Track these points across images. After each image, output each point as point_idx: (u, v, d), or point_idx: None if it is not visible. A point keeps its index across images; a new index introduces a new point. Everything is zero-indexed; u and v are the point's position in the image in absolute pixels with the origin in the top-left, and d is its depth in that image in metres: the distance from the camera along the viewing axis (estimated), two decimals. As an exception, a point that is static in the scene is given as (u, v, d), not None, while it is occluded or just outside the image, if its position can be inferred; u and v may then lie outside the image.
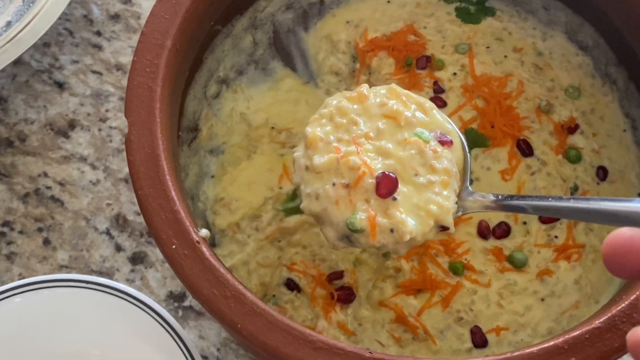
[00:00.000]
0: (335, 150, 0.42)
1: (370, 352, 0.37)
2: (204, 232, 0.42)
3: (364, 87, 0.45)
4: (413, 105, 0.45)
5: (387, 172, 0.41)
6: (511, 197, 0.42)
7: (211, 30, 0.53)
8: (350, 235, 0.41)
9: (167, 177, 0.41)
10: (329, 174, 0.42)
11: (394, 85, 0.46)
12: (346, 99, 0.45)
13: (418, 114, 0.44)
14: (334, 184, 0.41)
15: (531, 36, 0.58)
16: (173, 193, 0.41)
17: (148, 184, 0.41)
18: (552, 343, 0.37)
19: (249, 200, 0.53)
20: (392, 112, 0.44)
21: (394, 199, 0.41)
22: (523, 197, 0.41)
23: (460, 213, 0.43)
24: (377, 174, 0.41)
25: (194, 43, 0.49)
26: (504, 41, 0.58)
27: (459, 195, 0.43)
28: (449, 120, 0.45)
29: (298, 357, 0.37)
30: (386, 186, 0.41)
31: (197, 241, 0.40)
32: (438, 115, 0.45)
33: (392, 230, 0.40)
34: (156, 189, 0.41)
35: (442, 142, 0.43)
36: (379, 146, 0.43)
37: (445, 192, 0.42)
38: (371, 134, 0.43)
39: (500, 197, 0.42)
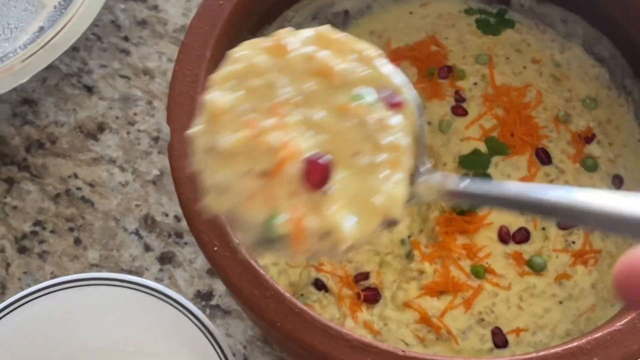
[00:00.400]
0: (247, 125, 0.31)
1: (403, 351, 0.39)
2: (242, 235, 0.43)
3: (284, 33, 0.35)
4: (351, 55, 0.34)
5: (318, 154, 0.31)
6: (482, 183, 0.33)
7: (243, 40, 0.55)
8: (270, 241, 0.32)
9: (208, 182, 0.43)
10: (240, 158, 0.31)
11: (323, 28, 0.35)
12: (260, 51, 0.34)
13: (358, 67, 0.34)
14: (246, 173, 0.31)
15: (549, 48, 0.60)
16: (214, 197, 0.43)
17: (190, 189, 0.43)
18: (575, 344, 0.39)
19: None
20: (323, 67, 0.33)
21: (327, 190, 0.31)
22: (497, 185, 0.32)
23: (414, 201, 0.34)
24: (305, 156, 0.31)
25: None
26: (523, 52, 0.60)
27: (412, 177, 0.34)
28: (399, 71, 0.35)
29: (334, 355, 0.39)
30: (317, 174, 0.31)
31: (237, 243, 0.42)
32: (384, 67, 0.35)
33: (325, 235, 0.31)
34: (198, 194, 0.43)
35: (392, 105, 0.33)
36: (308, 117, 0.32)
37: (395, 176, 0.32)
38: (296, 100, 0.32)
39: (465, 182, 0.33)
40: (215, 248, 0.41)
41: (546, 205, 0.29)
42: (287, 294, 0.40)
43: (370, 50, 0.35)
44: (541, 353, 0.39)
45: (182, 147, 0.44)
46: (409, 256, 0.53)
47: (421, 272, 0.52)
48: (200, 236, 0.42)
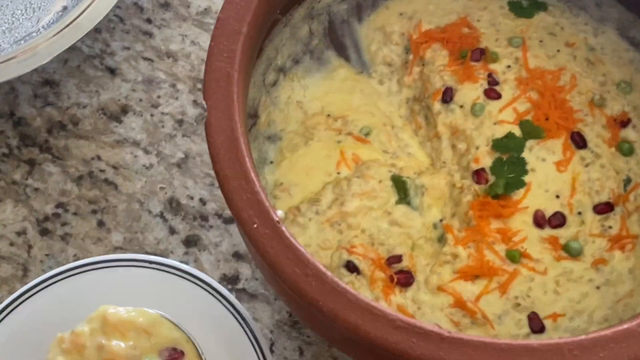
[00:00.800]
0: None
1: (449, 332, 0.38)
2: (280, 213, 0.43)
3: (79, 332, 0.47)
4: (131, 332, 0.47)
5: None
6: None
7: (274, 19, 0.54)
8: None
9: (247, 159, 0.42)
10: None
11: (107, 312, 0.48)
12: (62, 356, 0.47)
13: (141, 340, 0.47)
14: None
15: (583, 32, 0.59)
16: (253, 174, 0.42)
17: (228, 165, 0.42)
18: (625, 326, 0.38)
19: (308, 184, 0.54)
20: (112, 354, 0.47)
21: None
22: None
23: None
24: None
25: (262, 31, 0.50)
26: (557, 36, 0.59)
27: None
28: (180, 325, 0.48)
29: (379, 335, 0.38)
30: None
31: (277, 221, 0.41)
32: (164, 326, 0.48)
33: None
34: (236, 171, 0.42)
35: (174, 358, 0.47)
36: None
37: None
38: None
39: None
40: (255, 225, 0.40)
41: None
42: (329, 273, 0.39)
43: (150, 315, 0.48)
44: (590, 335, 0.38)
45: (220, 124, 0.43)
46: (441, 240, 0.52)
47: (455, 256, 0.51)
48: (240, 213, 0.41)
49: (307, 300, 0.39)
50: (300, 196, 0.54)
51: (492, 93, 0.56)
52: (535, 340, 0.39)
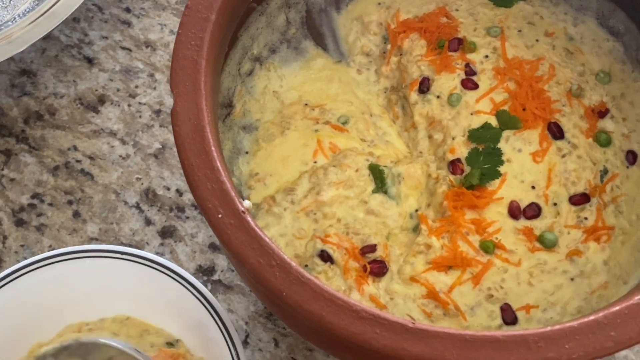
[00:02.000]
0: None
1: (413, 323, 0.37)
2: (248, 203, 0.42)
3: None
4: None
5: None
6: None
7: (248, 7, 0.53)
8: None
9: (213, 148, 0.42)
10: None
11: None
12: None
13: None
14: None
15: (562, 21, 0.58)
16: (219, 164, 0.41)
17: (194, 155, 0.41)
18: (592, 318, 0.38)
19: (284, 174, 0.54)
20: None
21: None
22: None
23: None
24: None
25: (233, 19, 0.50)
26: (536, 25, 0.58)
27: None
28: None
29: (342, 326, 0.38)
30: None
31: (242, 211, 0.40)
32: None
33: None
34: (202, 160, 0.41)
35: None
36: None
37: None
38: None
39: None
40: (220, 215, 0.40)
41: None
42: (294, 263, 0.39)
43: None
44: (556, 327, 0.37)
45: (186, 113, 0.43)
46: (416, 230, 0.52)
47: (428, 246, 0.51)
48: (204, 203, 0.40)
49: (271, 290, 0.39)
50: (275, 186, 0.54)
51: (469, 83, 0.56)
52: (500, 331, 0.38)
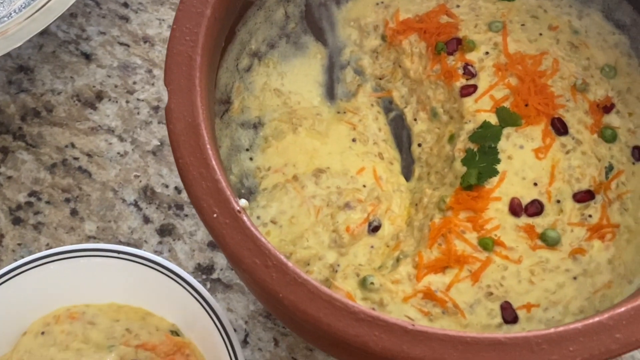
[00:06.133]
0: None
1: (413, 324, 0.37)
2: (244, 202, 0.41)
3: None
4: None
5: None
6: None
7: (245, 1, 0.52)
8: None
9: (208, 146, 0.41)
10: None
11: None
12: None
13: None
14: None
15: (567, 14, 0.57)
16: (214, 162, 0.40)
17: (189, 153, 0.41)
18: (596, 319, 0.37)
19: (306, 160, 0.53)
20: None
21: None
22: None
23: None
24: None
25: (230, 13, 0.49)
26: (539, 19, 0.57)
27: None
28: None
29: (340, 328, 0.37)
30: None
31: (238, 210, 0.39)
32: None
33: None
34: (197, 158, 0.40)
35: None
36: None
37: None
38: None
39: None
40: (215, 215, 0.39)
41: None
42: (290, 263, 0.38)
43: None
44: (560, 329, 0.36)
45: (181, 110, 0.42)
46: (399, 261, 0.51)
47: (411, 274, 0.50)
48: (199, 202, 0.40)
49: (267, 292, 0.38)
50: (302, 169, 0.53)
51: (470, 89, 0.55)
52: (502, 333, 0.37)
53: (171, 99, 0.42)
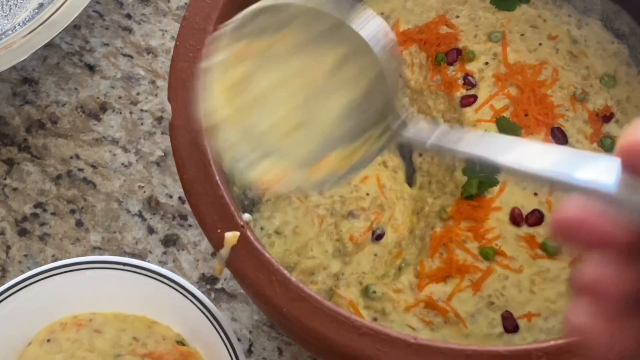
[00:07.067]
0: None
1: (415, 338, 0.37)
2: (247, 216, 0.42)
3: None
4: None
5: None
6: (449, 136, 0.33)
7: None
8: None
9: (211, 161, 0.41)
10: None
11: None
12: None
13: None
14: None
15: (566, 23, 0.58)
16: (217, 178, 0.41)
17: (193, 169, 0.41)
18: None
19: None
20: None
21: None
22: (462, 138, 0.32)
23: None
24: None
25: (232, 28, 0.49)
26: (539, 28, 0.58)
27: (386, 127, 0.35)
28: None
29: (343, 342, 0.37)
30: None
31: (241, 225, 0.40)
32: None
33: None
34: (201, 174, 0.41)
35: None
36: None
37: None
38: None
39: (433, 139, 0.33)
40: (219, 230, 0.40)
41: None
42: (294, 278, 0.39)
43: None
44: (561, 341, 0.37)
45: (184, 126, 0.42)
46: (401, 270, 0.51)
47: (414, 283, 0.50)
48: (203, 217, 0.40)
49: (271, 306, 0.39)
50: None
51: (470, 99, 0.55)
52: (503, 346, 0.38)
53: (175, 115, 0.42)
